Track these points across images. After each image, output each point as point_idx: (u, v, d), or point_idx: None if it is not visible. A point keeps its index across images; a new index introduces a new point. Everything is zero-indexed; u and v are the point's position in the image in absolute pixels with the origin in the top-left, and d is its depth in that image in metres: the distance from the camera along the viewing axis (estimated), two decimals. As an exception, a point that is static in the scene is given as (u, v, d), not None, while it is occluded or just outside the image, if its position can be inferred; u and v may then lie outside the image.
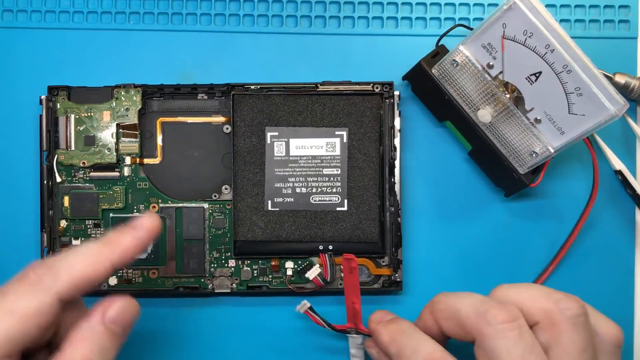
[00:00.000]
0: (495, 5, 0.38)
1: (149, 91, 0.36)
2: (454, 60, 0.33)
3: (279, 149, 0.36)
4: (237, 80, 0.37)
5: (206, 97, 0.37)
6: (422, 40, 0.37)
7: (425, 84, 0.35)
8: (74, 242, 0.36)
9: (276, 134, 0.36)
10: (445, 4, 0.38)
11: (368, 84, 0.36)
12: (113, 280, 0.36)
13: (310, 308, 0.33)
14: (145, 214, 0.32)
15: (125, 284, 0.36)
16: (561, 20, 0.38)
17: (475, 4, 0.38)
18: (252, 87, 0.36)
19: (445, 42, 0.35)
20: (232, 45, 0.38)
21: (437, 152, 0.37)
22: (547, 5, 0.37)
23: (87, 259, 0.27)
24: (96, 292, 0.36)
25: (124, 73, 0.37)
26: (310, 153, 0.36)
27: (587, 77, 0.30)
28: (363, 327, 0.33)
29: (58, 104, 0.36)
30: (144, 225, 0.28)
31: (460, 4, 0.38)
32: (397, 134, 0.36)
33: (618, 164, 0.36)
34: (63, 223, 0.36)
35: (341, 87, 0.36)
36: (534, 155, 0.33)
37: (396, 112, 0.36)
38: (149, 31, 0.38)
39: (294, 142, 0.36)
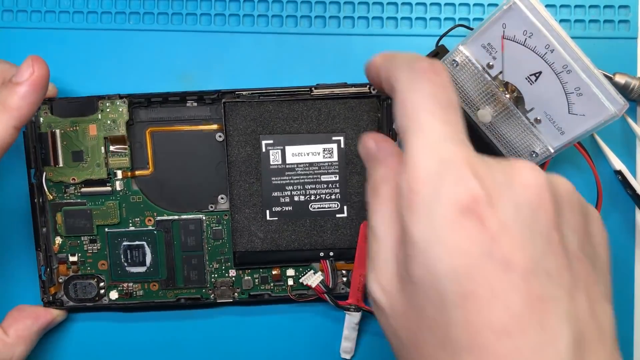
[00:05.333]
0: (495, 5, 0.38)
1: (136, 101, 0.35)
2: (453, 60, 0.33)
3: (274, 157, 0.35)
4: (237, 80, 0.37)
5: (196, 105, 0.35)
6: (422, 40, 0.37)
7: (425, 84, 0.35)
8: (71, 257, 0.36)
9: (271, 141, 0.35)
10: (445, 4, 0.38)
11: (364, 85, 0.35)
12: (114, 294, 0.36)
13: (322, 282, 0.34)
14: (25, 60, 0.29)
15: (127, 297, 0.36)
16: (561, 20, 0.38)
17: (475, 4, 0.38)
18: (244, 93, 0.35)
19: (445, 42, 0.35)
20: (232, 45, 0.38)
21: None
22: (547, 5, 0.37)
23: None
24: (99, 307, 0.36)
25: (123, 72, 0.37)
26: (307, 160, 0.35)
27: (587, 77, 0.30)
28: (364, 304, 0.35)
29: (41, 119, 0.35)
30: (25, 79, 0.29)
31: (460, 4, 0.38)
32: (396, 137, 0.36)
33: (618, 164, 0.36)
34: (58, 240, 0.35)
35: (337, 90, 0.35)
36: (534, 155, 0.33)
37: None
38: (148, 31, 0.38)
39: (289, 150, 0.35)
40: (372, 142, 0.26)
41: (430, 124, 0.22)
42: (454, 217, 0.20)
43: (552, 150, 0.33)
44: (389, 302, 0.22)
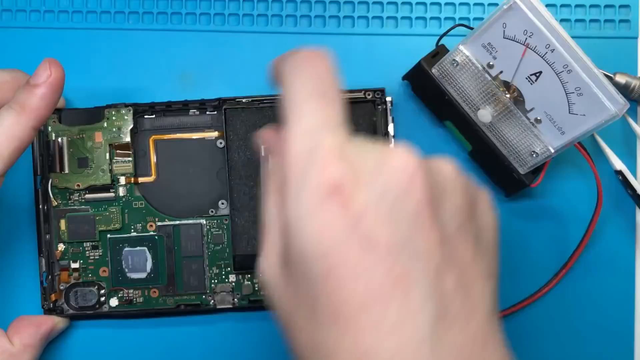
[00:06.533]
0: (496, 5, 0.38)
1: (140, 109, 0.36)
2: (454, 60, 0.33)
3: None
4: (237, 80, 0.37)
5: (198, 113, 0.36)
6: (422, 40, 0.37)
7: (426, 84, 0.35)
8: (73, 264, 0.35)
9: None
10: (445, 4, 0.38)
11: (359, 91, 0.35)
12: (114, 302, 0.36)
13: None
14: (42, 63, 0.30)
15: (127, 304, 0.36)
16: (561, 20, 0.38)
17: (475, 4, 0.38)
18: (244, 100, 0.35)
19: (445, 41, 0.35)
20: (231, 45, 0.37)
21: (437, 152, 0.37)
22: (547, 5, 0.37)
23: (13, 133, 0.29)
24: (100, 315, 0.36)
25: (122, 72, 0.37)
26: None
27: (587, 77, 0.30)
28: None
29: (49, 127, 0.35)
30: (43, 81, 0.29)
31: (461, 4, 0.38)
32: (392, 140, 0.36)
33: (618, 164, 0.36)
34: (61, 246, 0.35)
35: None
36: (534, 156, 0.33)
37: (389, 118, 0.36)
38: (148, 31, 0.37)
39: None
40: (265, 136, 0.29)
41: (305, 113, 0.23)
42: (320, 199, 0.21)
43: (553, 150, 0.33)
44: (274, 280, 0.24)
